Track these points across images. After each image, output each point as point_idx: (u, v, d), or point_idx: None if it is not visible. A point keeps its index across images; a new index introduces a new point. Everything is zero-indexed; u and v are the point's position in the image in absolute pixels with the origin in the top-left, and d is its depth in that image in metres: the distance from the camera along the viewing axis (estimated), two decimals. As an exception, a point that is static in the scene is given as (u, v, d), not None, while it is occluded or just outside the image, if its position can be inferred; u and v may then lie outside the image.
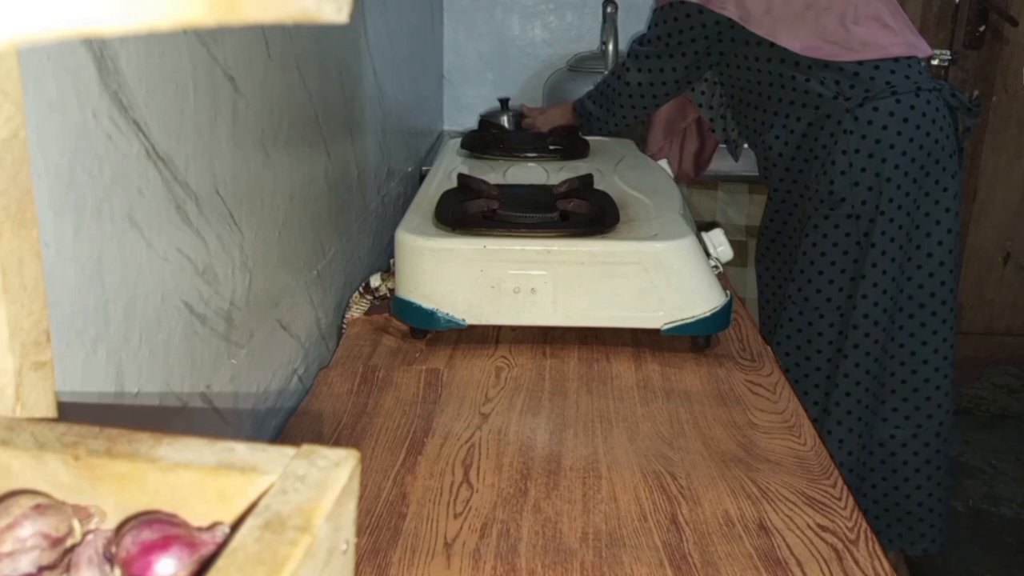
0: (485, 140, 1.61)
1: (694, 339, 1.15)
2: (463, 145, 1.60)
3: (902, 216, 1.44)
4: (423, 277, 1.12)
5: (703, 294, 1.11)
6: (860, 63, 1.43)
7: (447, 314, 1.12)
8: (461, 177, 1.30)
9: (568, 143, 1.59)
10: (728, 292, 1.15)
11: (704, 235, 1.22)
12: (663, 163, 1.55)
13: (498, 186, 1.29)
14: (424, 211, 1.21)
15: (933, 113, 1.45)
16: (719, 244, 1.22)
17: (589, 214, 1.17)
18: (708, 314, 1.11)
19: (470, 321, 1.12)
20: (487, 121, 1.83)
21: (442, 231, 1.13)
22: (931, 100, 1.45)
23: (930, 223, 1.47)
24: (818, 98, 1.46)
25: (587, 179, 1.30)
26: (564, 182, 1.29)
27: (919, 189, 1.44)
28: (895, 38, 1.46)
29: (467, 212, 1.17)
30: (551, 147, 1.57)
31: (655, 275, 1.10)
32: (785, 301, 1.54)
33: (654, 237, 1.12)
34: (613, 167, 1.46)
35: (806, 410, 1.02)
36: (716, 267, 1.19)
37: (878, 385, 1.51)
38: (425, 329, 1.16)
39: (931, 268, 1.48)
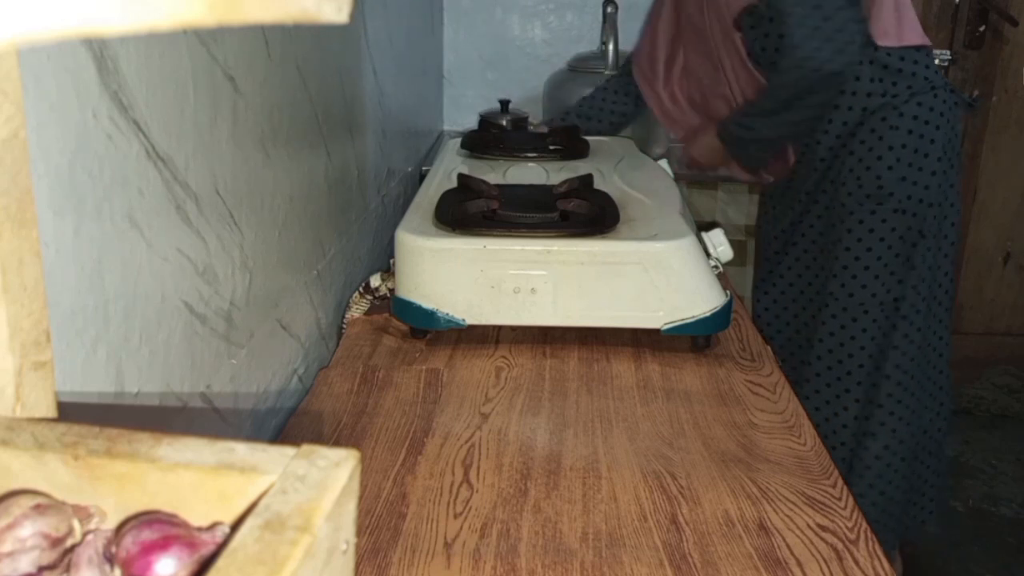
0: (485, 140, 1.61)
1: (694, 339, 1.15)
2: (463, 145, 1.60)
3: (936, 207, 1.48)
4: (423, 277, 1.12)
5: (703, 294, 1.11)
6: (902, 58, 1.45)
7: (447, 314, 1.12)
8: (461, 177, 1.30)
9: (568, 143, 1.59)
10: (728, 292, 1.15)
11: (704, 235, 1.22)
12: (663, 163, 1.54)
13: (498, 186, 1.29)
14: (424, 211, 1.21)
15: (954, 108, 1.50)
16: (719, 244, 1.22)
17: (589, 214, 1.17)
18: (708, 314, 1.11)
19: (470, 321, 1.12)
20: (487, 121, 1.82)
21: (442, 231, 1.13)
22: (952, 94, 1.51)
23: (953, 213, 1.51)
24: (866, 98, 1.47)
25: (587, 179, 1.30)
26: (564, 182, 1.29)
27: (946, 180, 1.48)
28: (922, 29, 1.50)
29: (467, 212, 1.17)
30: (551, 147, 1.56)
31: (655, 275, 1.10)
32: (825, 299, 1.54)
33: (654, 237, 1.12)
34: (613, 167, 1.46)
35: (805, 412, 1.02)
36: (716, 267, 1.19)
37: (923, 375, 1.53)
38: (425, 329, 1.16)
39: (953, 256, 1.53)
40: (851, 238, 1.50)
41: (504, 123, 1.90)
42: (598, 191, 1.26)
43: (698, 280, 1.11)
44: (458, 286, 1.11)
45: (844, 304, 1.52)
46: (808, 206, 1.59)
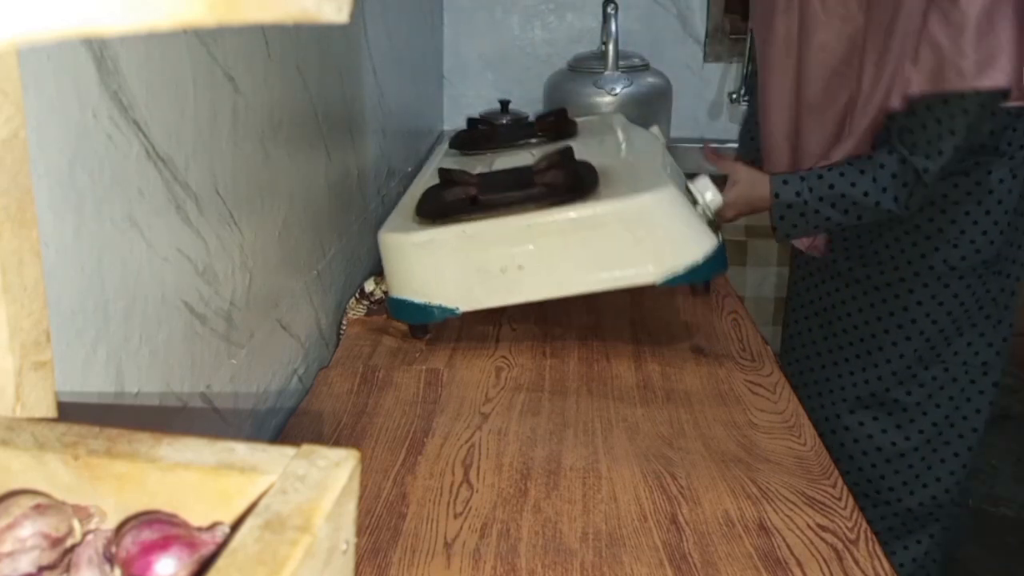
0: (474, 137, 1.59)
1: (693, 289, 1.12)
2: (451, 145, 1.58)
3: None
4: (411, 272, 1.12)
5: (692, 240, 1.09)
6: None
7: (440, 305, 1.11)
8: (441, 171, 1.27)
9: (556, 127, 1.54)
10: (720, 235, 1.12)
11: (690, 184, 1.18)
12: (654, 130, 1.49)
13: (479, 175, 1.26)
14: (406, 210, 1.20)
15: None
16: (707, 191, 1.18)
17: (566, 182, 1.14)
18: (701, 260, 1.08)
19: (464, 308, 1.11)
20: (475, 119, 1.81)
21: (423, 225, 1.12)
22: None
23: None
24: (979, 148, 1.33)
25: (566, 151, 1.24)
26: (543, 158, 1.24)
27: None
28: None
29: (445, 202, 1.15)
30: (539, 133, 1.52)
31: (639, 230, 1.07)
32: (928, 362, 1.43)
33: (632, 192, 1.09)
34: (599, 141, 1.42)
35: (809, 415, 1.02)
36: (705, 214, 1.15)
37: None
38: (424, 327, 1.16)
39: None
40: (953, 302, 1.39)
41: (494, 120, 1.88)
42: (579, 161, 1.22)
43: (684, 228, 1.09)
44: (446, 275, 1.10)
45: (954, 375, 1.44)
46: (879, 269, 1.44)
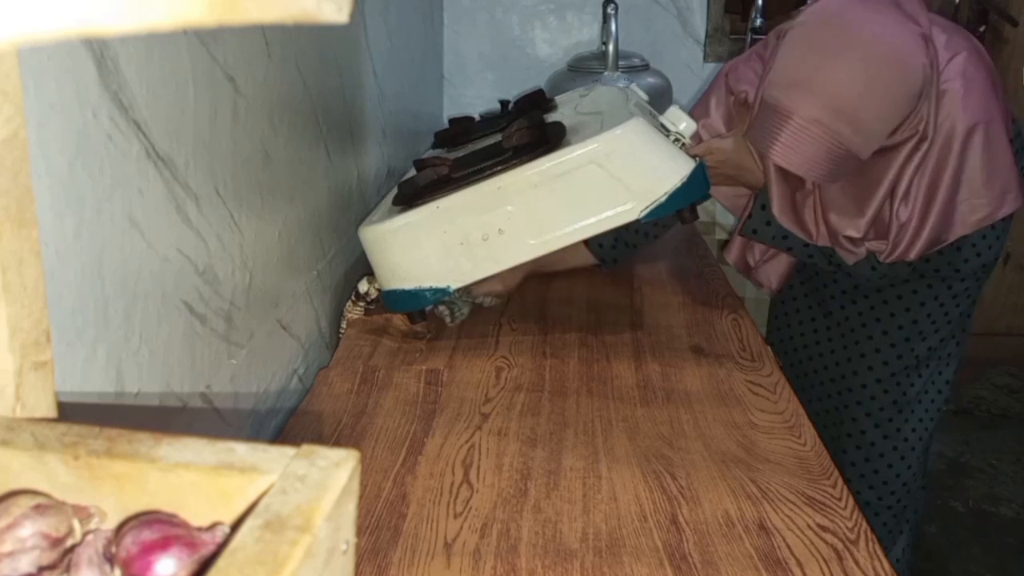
0: (455, 134, 1.58)
1: (682, 218, 1.10)
2: (434, 145, 1.58)
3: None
4: (395, 260, 1.11)
5: (667, 166, 1.07)
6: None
7: (431, 286, 1.11)
8: (416, 162, 1.27)
9: (534, 105, 1.52)
10: (697, 157, 1.10)
11: (662, 118, 1.17)
12: (633, 86, 1.48)
13: (453, 158, 1.25)
14: (385, 205, 1.20)
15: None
16: (679, 120, 1.16)
17: (533, 140, 1.12)
18: (680, 185, 1.06)
19: (455, 285, 1.11)
20: (455, 118, 1.80)
21: (399, 212, 1.12)
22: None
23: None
24: None
25: (533, 116, 1.21)
26: (512, 126, 1.18)
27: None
28: None
29: (417, 185, 1.14)
30: (516, 115, 1.50)
31: (611, 167, 1.05)
32: (917, 369, 1.45)
33: (598, 131, 1.07)
34: (574, 107, 1.40)
35: (809, 414, 1.02)
36: (678, 140, 1.14)
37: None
38: (422, 312, 1.15)
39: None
40: (952, 304, 1.45)
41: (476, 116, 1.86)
42: (548, 123, 1.20)
43: (656, 155, 1.07)
44: (429, 255, 1.10)
45: (938, 366, 1.48)
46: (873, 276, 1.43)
